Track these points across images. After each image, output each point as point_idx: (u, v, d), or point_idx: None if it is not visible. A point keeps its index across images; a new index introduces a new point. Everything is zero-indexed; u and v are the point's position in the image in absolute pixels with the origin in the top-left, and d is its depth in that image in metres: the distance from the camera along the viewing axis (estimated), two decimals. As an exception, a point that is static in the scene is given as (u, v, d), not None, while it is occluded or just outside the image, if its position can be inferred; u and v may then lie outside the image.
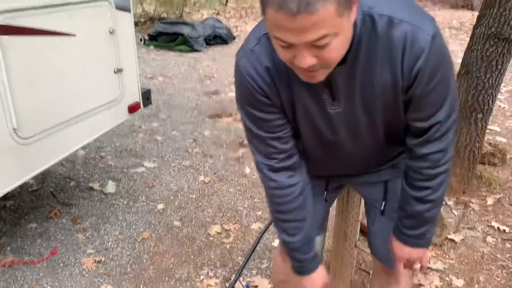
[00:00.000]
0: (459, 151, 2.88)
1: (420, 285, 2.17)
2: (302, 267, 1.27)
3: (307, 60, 0.83)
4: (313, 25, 0.77)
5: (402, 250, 1.23)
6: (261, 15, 0.83)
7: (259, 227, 2.63)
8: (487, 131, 2.98)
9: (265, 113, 1.07)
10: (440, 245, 2.46)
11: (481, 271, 2.29)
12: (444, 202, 2.80)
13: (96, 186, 3.01)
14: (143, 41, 7.29)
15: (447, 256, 2.40)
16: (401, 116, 1.06)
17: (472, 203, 2.88)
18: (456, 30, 9.57)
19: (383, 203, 1.35)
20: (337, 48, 0.84)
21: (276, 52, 0.91)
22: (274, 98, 1.05)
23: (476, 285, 2.20)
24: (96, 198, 2.88)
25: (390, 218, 1.35)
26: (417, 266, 1.28)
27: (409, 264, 1.27)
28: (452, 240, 2.50)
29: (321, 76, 0.91)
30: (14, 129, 1.91)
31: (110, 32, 2.45)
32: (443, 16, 11.60)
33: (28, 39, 1.96)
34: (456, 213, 2.76)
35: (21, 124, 1.94)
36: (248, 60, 1.02)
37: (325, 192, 1.41)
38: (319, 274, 1.29)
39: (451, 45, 8.09)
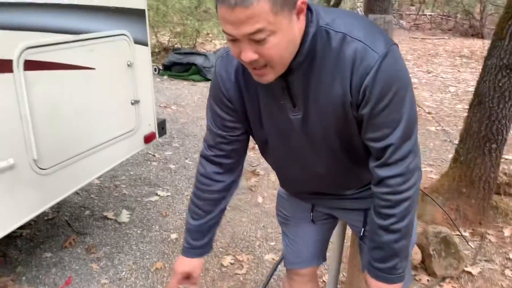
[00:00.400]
0: (473, 182, 2.86)
1: (438, 319, 2.13)
2: (184, 248, 1.33)
3: (249, 54, 0.92)
4: (249, 19, 0.86)
5: (377, 286, 1.20)
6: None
7: (273, 258, 2.62)
8: (502, 160, 2.96)
9: (222, 111, 1.18)
10: (457, 278, 2.42)
11: (500, 306, 2.24)
12: (459, 233, 2.77)
13: (110, 215, 3.04)
14: (157, 71, 7.45)
15: (464, 290, 2.35)
16: (354, 133, 1.08)
17: (489, 234, 2.84)
18: (467, 59, 9.62)
19: (363, 229, 1.35)
20: (276, 46, 0.91)
21: None
22: (236, 102, 1.15)
23: (496, 320, 2.15)
24: (110, 227, 2.90)
25: None
26: None
27: None
28: (469, 273, 2.46)
29: (269, 76, 0.98)
30: (34, 160, 1.96)
31: (128, 65, 2.53)
32: (453, 45, 11.69)
33: (50, 73, 2.04)
34: (472, 245, 2.72)
35: (41, 155, 1.99)
36: (222, 62, 1.15)
37: (311, 214, 1.44)
38: (191, 262, 1.33)
39: (462, 74, 8.13)
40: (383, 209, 1.11)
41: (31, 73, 1.91)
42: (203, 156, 1.28)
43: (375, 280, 1.19)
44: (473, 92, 2.90)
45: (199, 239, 1.32)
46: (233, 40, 0.92)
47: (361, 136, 1.08)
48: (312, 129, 1.10)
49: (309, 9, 0.98)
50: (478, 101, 2.80)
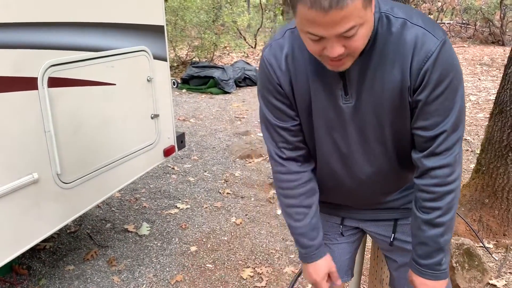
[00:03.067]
0: (496, 192, 2.81)
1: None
2: (307, 254, 1.27)
3: (337, 50, 0.92)
4: (343, 19, 0.85)
5: (423, 284, 1.17)
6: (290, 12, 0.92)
7: (292, 271, 2.61)
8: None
9: (277, 101, 1.15)
10: (482, 291, 2.37)
11: (527, 320, 2.18)
12: (483, 245, 2.71)
13: (131, 228, 3.08)
14: (176, 85, 7.55)
15: (489, 303, 2.29)
16: (407, 123, 1.07)
17: (514, 246, 2.77)
18: (487, 67, 9.47)
19: (392, 235, 1.33)
20: (362, 37, 0.92)
21: (296, 44, 1.06)
22: (287, 88, 1.12)
23: (523, 335, 2.09)
24: (131, 240, 2.94)
25: (402, 255, 1.33)
26: None
27: None
28: (494, 286, 2.40)
29: (347, 63, 0.98)
30: (57, 175, 2.01)
31: (148, 80, 2.58)
32: (473, 53, 11.53)
33: (73, 89, 2.10)
34: (496, 257, 2.66)
35: (64, 170, 2.04)
36: (270, 50, 1.12)
37: (341, 226, 1.40)
38: (324, 262, 1.28)
39: (482, 82, 8.01)
40: (427, 202, 1.10)
41: (54, 90, 1.97)
42: (277, 156, 1.21)
43: (421, 277, 1.17)
44: (494, 100, 2.86)
45: (316, 237, 1.26)
46: (318, 39, 0.91)
47: (412, 125, 1.07)
48: (364, 118, 1.08)
49: None
50: (499, 109, 2.75)
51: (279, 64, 1.10)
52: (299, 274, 2.08)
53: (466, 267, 2.37)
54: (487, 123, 2.94)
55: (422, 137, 1.06)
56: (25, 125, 1.86)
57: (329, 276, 1.31)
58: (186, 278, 2.55)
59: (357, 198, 1.30)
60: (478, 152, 3.04)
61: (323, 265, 1.28)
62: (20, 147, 1.83)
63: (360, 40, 0.92)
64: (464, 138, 4.97)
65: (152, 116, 2.65)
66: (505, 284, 2.42)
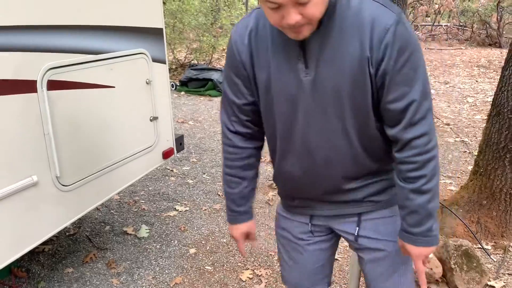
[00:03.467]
0: (494, 194, 2.82)
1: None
2: (232, 217, 1.41)
3: (293, 17, 0.96)
4: None
5: (418, 252, 1.20)
6: None
7: (291, 272, 2.61)
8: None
9: (236, 77, 1.22)
10: (480, 292, 2.37)
11: (525, 321, 2.19)
12: (481, 247, 2.72)
13: (130, 230, 3.08)
14: (174, 87, 7.56)
15: (488, 304, 2.30)
16: (367, 97, 1.09)
17: (512, 247, 2.78)
18: (484, 69, 9.50)
19: (357, 229, 1.32)
20: (317, 4, 0.97)
21: (261, 21, 1.13)
22: (247, 63, 1.18)
23: (521, 336, 2.10)
24: (130, 243, 2.94)
25: (368, 253, 1.33)
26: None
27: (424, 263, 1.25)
28: (493, 287, 2.41)
29: (306, 31, 1.02)
30: (57, 177, 2.01)
31: (147, 83, 2.59)
32: (470, 55, 11.57)
33: (72, 92, 2.10)
34: (495, 259, 2.67)
35: (63, 172, 2.04)
36: (237, 28, 1.20)
37: (310, 224, 1.37)
38: (245, 225, 1.42)
39: (480, 84, 8.03)
40: (411, 172, 1.13)
41: (54, 93, 1.98)
42: (226, 128, 1.31)
43: (415, 246, 1.20)
44: (491, 102, 2.88)
45: (243, 205, 1.38)
46: (276, 8, 0.96)
47: (381, 105, 1.10)
48: (323, 91, 1.11)
49: None
50: (497, 111, 2.77)
51: (242, 39, 1.17)
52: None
53: (465, 269, 2.38)
54: (484, 125, 2.95)
55: (394, 110, 1.09)
56: (25, 128, 1.86)
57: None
58: (185, 280, 2.55)
59: (318, 183, 1.26)
60: (476, 153, 3.05)
61: (243, 227, 1.42)
62: (19, 149, 1.84)
63: (315, 7, 0.96)
64: (461, 140, 4.99)
65: (151, 118, 2.66)
66: (504, 285, 2.43)
